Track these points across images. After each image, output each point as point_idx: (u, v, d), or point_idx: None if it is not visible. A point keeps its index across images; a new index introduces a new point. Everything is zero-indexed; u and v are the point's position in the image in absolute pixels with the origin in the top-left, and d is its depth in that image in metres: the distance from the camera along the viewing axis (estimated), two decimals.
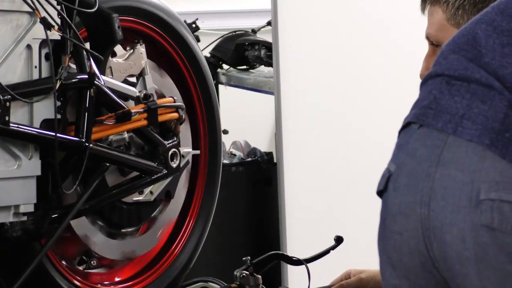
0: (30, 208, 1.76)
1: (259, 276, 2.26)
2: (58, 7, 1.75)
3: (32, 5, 1.69)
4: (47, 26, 1.70)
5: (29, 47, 1.74)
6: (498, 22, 1.47)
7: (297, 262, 2.43)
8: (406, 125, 1.48)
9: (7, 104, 1.66)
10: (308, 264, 2.37)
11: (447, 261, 1.40)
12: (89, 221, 1.95)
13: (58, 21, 1.75)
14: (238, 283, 2.25)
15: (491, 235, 1.36)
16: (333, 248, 2.46)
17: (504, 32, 1.45)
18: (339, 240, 2.44)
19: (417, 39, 2.21)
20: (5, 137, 1.69)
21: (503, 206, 1.35)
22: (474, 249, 1.37)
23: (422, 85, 1.52)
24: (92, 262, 2.01)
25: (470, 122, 1.38)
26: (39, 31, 1.73)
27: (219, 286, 2.29)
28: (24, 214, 1.75)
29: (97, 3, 1.82)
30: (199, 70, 2.18)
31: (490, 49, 1.43)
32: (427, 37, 2.09)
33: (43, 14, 1.70)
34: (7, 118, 1.66)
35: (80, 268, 2.02)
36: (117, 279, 2.08)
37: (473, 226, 1.36)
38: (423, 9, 2.09)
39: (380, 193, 1.51)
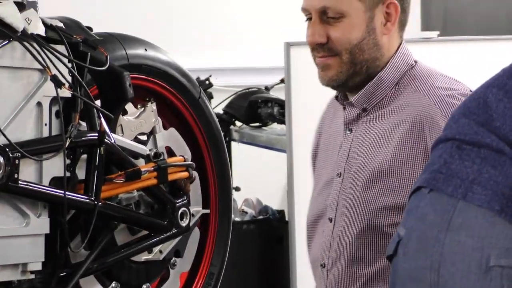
0: (38, 267, 1.73)
1: None
2: (69, 65, 1.75)
3: (43, 62, 1.68)
4: (58, 84, 1.70)
5: (39, 104, 1.73)
6: (509, 86, 1.46)
7: None
8: (417, 189, 1.47)
9: (16, 161, 1.65)
10: None
11: None
12: (97, 279, 1.92)
13: (69, 78, 1.74)
14: None
15: None
16: None
17: None
18: None
19: None
20: (14, 195, 1.68)
21: None
22: None
23: (433, 148, 1.51)
24: None
25: (480, 187, 1.37)
26: (49, 88, 1.73)
27: None
28: (32, 272, 1.73)
29: (108, 61, 1.81)
30: (210, 128, 2.16)
31: (501, 114, 1.42)
32: (323, 10, 2.28)
33: (54, 71, 1.69)
34: (16, 176, 1.65)
35: None
36: None
37: None
38: None
39: (390, 257, 1.49)
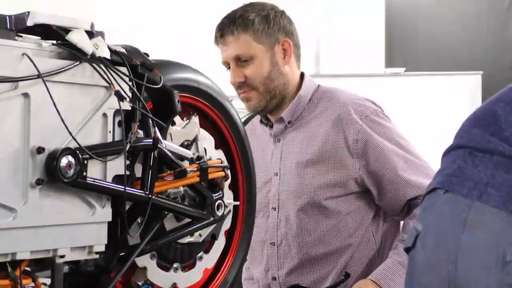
0: (102, 248, 1.57)
1: None
2: (130, 83, 1.60)
3: (108, 80, 1.52)
4: (120, 97, 1.54)
5: (105, 115, 1.56)
6: None
7: None
8: (432, 191, 1.25)
9: (85, 162, 1.48)
10: None
11: None
12: (149, 257, 1.76)
13: (129, 94, 1.59)
14: None
15: None
16: (342, 281, 2.29)
17: None
18: (347, 275, 2.28)
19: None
20: (83, 190, 1.52)
21: None
22: None
23: (444, 155, 1.30)
24: None
25: (494, 190, 1.15)
26: (113, 102, 1.56)
27: None
28: (96, 253, 1.57)
29: (161, 80, 1.67)
30: (239, 136, 2.01)
31: (510, 125, 1.21)
32: (237, 58, 2.34)
33: (117, 87, 1.54)
34: (84, 174, 1.49)
35: None
36: None
37: (500, 284, 1.12)
38: (223, 39, 2.34)
39: (408, 249, 1.28)
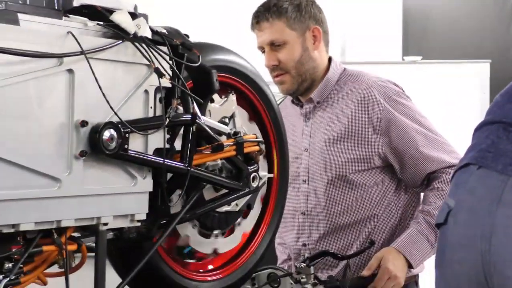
0: (143, 216, 1.42)
1: (312, 267, 1.94)
2: (171, 62, 1.43)
3: (148, 58, 1.36)
4: (159, 74, 1.37)
5: (146, 91, 1.41)
6: None
7: (341, 258, 2.08)
8: (464, 166, 1.06)
9: (127, 135, 1.33)
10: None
11: None
12: (190, 225, 1.62)
13: (170, 72, 1.43)
14: (297, 271, 1.94)
15: None
16: (367, 248, 2.11)
17: None
18: (372, 242, 2.10)
19: None
20: (125, 161, 1.36)
21: None
22: None
23: (476, 130, 1.10)
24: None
25: None
26: (154, 79, 1.40)
27: (282, 273, 1.95)
28: (138, 221, 1.42)
29: (200, 60, 1.50)
30: (273, 114, 1.83)
31: None
32: (271, 42, 2.17)
33: (157, 65, 1.38)
34: (126, 146, 1.33)
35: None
36: (208, 268, 1.74)
37: None
38: (258, 25, 2.18)
39: (439, 225, 1.10)
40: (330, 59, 2.27)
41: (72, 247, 1.30)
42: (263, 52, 2.22)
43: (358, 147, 2.15)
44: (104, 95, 1.25)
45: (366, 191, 2.18)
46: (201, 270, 1.71)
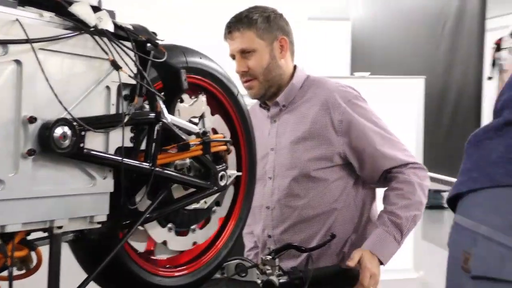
0: (104, 218, 1.07)
1: (277, 259, 1.64)
2: (135, 58, 1.08)
3: (106, 50, 1.02)
4: (116, 67, 1.02)
5: (108, 88, 1.05)
6: None
7: (303, 250, 1.76)
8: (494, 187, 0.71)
9: (82, 133, 0.98)
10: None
11: None
12: (165, 229, 1.30)
13: (134, 69, 1.08)
14: (263, 263, 1.64)
15: None
16: (328, 241, 1.79)
17: None
18: (332, 236, 1.78)
19: None
20: (82, 161, 1.01)
21: None
22: None
23: (497, 130, 0.77)
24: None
25: None
26: (117, 76, 1.05)
27: (250, 264, 1.64)
28: (98, 222, 1.07)
29: (166, 56, 1.16)
30: (242, 114, 1.51)
31: None
32: (242, 50, 1.86)
33: (115, 57, 1.03)
34: (81, 145, 0.98)
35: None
36: (177, 264, 1.39)
37: None
38: (230, 35, 1.87)
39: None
40: (295, 67, 1.97)
41: (20, 253, 0.95)
42: (234, 59, 1.92)
43: (321, 147, 1.86)
44: (51, 88, 0.89)
45: (327, 186, 1.87)
46: (169, 266, 1.37)
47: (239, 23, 1.87)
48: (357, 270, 1.74)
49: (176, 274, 1.35)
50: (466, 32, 4.65)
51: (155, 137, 1.13)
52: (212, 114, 1.41)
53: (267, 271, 1.63)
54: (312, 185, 1.86)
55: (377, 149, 1.83)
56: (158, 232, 1.26)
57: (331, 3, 7.63)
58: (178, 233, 1.32)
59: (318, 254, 1.84)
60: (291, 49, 1.95)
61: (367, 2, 6.69)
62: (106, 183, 1.05)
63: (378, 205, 1.95)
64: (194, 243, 1.36)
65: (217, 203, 1.42)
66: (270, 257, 1.63)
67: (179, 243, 1.32)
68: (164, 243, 1.28)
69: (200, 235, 1.37)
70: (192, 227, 1.34)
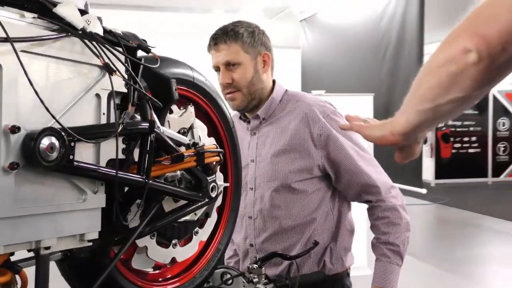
0: (95, 236, 0.86)
1: (263, 268, 1.46)
2: (126, 64, 0.89)
3: (96, 52, 0.82)
4: (109, 70, 0.82)
5: (98, 96, 0.85)
6: None
7: (288, 258, 1.58)
8: None
9: (72, 144, 0.77)
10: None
11: None
12: (148, 236, 1.08)
13: (125, 75, 0.88)
14: (249, 271, 1.47)
15: None
16: (312, 248, 1.63)
17: None
18: (315, 243, 1.62)
19: None
20: (71, 175, 0.80)
21: None
22: None
23: None
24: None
25: None
26: (107, 83, 0.85)
27: (236, 273, 1.45)
28: (89, 240, 0.86)
29: (159, 62, 0.99)
30: (228, 126, 1.34)
31: None
32: (227, 63, 1.67)
33: (107, 62, 0.83)
34: (71, 157, 0.78)
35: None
36: (166, 277, 1.20)
37: None
38: (216, 46, 1.67)
39: None
40: (274, 82, 1.80)
41: (3, 278, 0.74)
42: (217, 71, 1.73)
43: (301, 159, 1.68)
44: (36, 93, 0.69)
45: (306, 197, 1.70)
46: (159, 279, 1.17)
47: (225, 35, 1.68)
48: (341, 275, 1.58)
49: (169, 287, 1.15)
50: (407, 56, 4.69)
51: (148, 148, 0.94)
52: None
53: (254, 280, 1.45)
54: (292, 196, 1.69)
55: (354, 163, 1.68)
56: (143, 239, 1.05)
57: (284, 34, 7.71)
58: (159, 244, 1.13)
59: (299, 263, 1.67)
60: (272, 65, 1.79)
61: (315, 32, 6.75)
62: (97, 198, 0.84)
63: (353, 214, 1.80)
64: (173, 259, 1.16)
65: (207, 214, 1.23)
66: (257, 265, 1.45)
67: (158, 254, 1.11)
68: (145, 248, 1.08)
69: (180, 253, 1.17)
70: (173, 241, 1.15)
